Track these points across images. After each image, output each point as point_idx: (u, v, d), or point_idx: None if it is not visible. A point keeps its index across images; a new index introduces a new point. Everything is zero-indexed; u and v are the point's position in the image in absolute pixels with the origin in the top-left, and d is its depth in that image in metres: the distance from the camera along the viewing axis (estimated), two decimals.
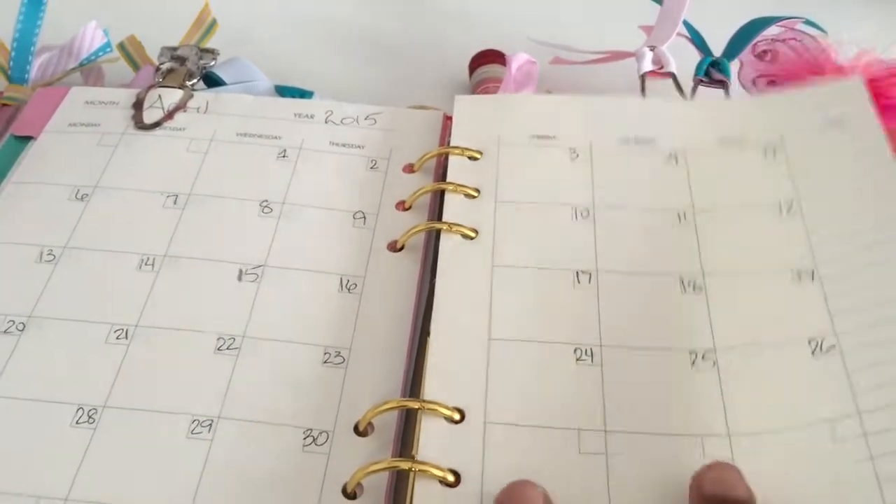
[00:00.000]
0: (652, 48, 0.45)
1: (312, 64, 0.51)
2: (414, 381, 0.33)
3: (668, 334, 0.32)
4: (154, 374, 0.32)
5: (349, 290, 0.35)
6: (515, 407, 0.31)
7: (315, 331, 0.34)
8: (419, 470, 0.29)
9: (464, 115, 0.41)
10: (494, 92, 0.45)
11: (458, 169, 0.38)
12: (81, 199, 0.38)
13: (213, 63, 0.45)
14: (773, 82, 0.44)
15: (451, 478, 0.29)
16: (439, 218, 0.37)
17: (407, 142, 0.41)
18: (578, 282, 0.34)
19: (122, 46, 0.47)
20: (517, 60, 0.45)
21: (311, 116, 0.42)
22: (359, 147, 0.40)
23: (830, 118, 0.37)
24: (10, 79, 0.45)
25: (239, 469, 0.30)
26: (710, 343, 0.32)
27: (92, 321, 0.34)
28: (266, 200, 0.38)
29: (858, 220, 0.34)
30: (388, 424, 0.31)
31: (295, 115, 0.42)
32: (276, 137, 0.41)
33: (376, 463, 0.29)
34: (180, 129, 0.41)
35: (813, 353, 0.31)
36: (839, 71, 0.42)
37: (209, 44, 0.46)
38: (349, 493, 0.29)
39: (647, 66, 0.44)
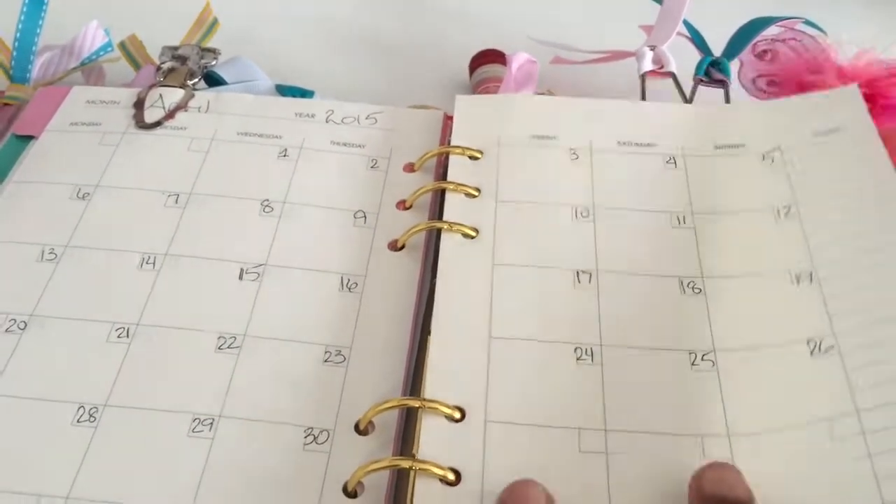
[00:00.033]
0: (652, 48, 0.45)
1: (313, 63, 0.51)
2: (414, 380, 0.33)
3: (667, 335, 0.33)
4: (155, 372, 0.32)
5: (350, 289, 0.35)
6: (516, 406, 0.31)
7: (316, 330, 0.34)
8: (420, 468, 0.29)
9: (464, 114, 0.41)
10: (495, 91, 0.45)
11: (458, 168, 0.38)
12: (83, 198, 0.38)
13: (214, 62, 0.45)
14: (772, 82, 0.44)
15: (451, 476, 0.29)
16: (440, 217, 0.37)
17: (407, 141, 0.41)
18: (579, 281, 0.34)
19: (123, 46, 0.47)
20: (518, 60, 0.45)
21: (312, 116, 0.42)
22: (359, 146, 0.41)
23: (827, 125, 0.38)
24: (11, 78, 0.45)
25: (240, 468, 0.30)
26: (710, 344, 0.32)
27: (93, 320, 0.34)
28: (267, 200, 0.38)
29: (856, 224, 0.34)
30: (388, 423, 0.31)
31: (296, 114, 0.42)
32: (276, 137, 0.41)
33: (377, 461, 0.29)
34: (181, 129, 0.41)
35: (812, 353, 0.31)
36: (839, 71, 0.42)
37: (210, 43, 0.46)
38: (350, 492, 0.29)
39: (648, 65, 0.44)
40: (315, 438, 0.31)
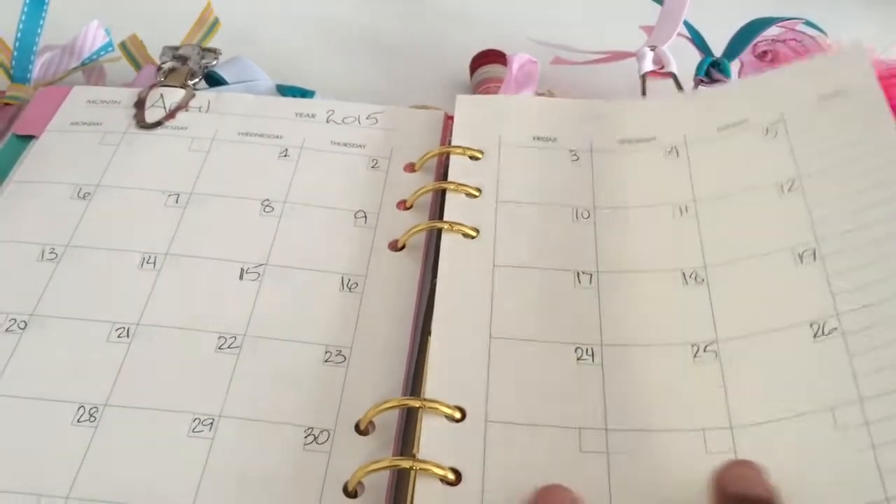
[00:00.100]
0: (653, 48, 0.45)
1: (314, 63, 0.51)
2: (415, 380, 0.33)
3: (669, 329, 0.33)
4: (155, 372, 0.32)
5: (350, 289, 0.35)
6: (516, 405, 0.31)
7: (316, 330, 0.34)
8: (420, 468, 0.29)
9: (465, 114, 0.41)
10: (495, 92, 0.45)
11: (459, 168, 0.38)
12: (83, 197, 0.38)
13: (214, 62, 0.45)
14: None
15: (451, 476, 0.29)
16: (440, 217, 0.37)
17: (408, 141, 0.41)
18: (579, 282, 0.34)
19: (123, 46, 0.47)
20: (518, 60, 0.45)
21: (313, 116, 0.42)
22: (360, 146, 0.41)
23: (832, 87, 0.37)
24: (12, 78, 0.45)
25: (240, 468, 0.30)
26: (713, 334, 0.32)
27: (93, 320, 0.34)
28: (267, 199, 0.38)
29: (861, 193, 0.33)
30: (388, 423, 0.31)
31: (296, 114, 0.42)
32: (277, 137, 0.41)
33: (377, 462, 0.29)
34: (182, 129, 0.41)
35: (815, 336, 0.31)
36: None
37: (211, 43, 0.46)
38: (350, 492, 0.29)
39: (648, 66, 0.44)
40: (315, 438, 0.31)
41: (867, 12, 0.53)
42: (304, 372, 0.32)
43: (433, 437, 0.30)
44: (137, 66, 0.47)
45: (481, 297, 0.34)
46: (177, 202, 0.38)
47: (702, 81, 0.45)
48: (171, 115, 0.42)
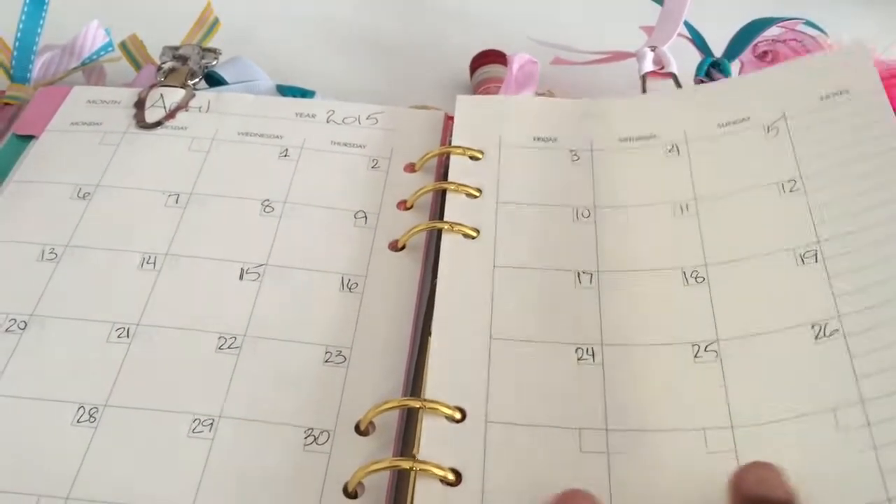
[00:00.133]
0: (653, 48, 0.45)
1: (314, 63, 0.51)
2: (415, 381, 0.33)
3: (670, 329, 0.32)
4: (155, 372, 0.32)
5: (350, 289, 0.35)
6: (516, 406, 0.31)
7: (316, 330, 0.34)
8: (420, 469, 0.29)
9: (465, 115, 0.41)
10: (496, 92, 0.45)
11: (459, 169, 0.38)
12: (83, 197, 0.38)
13: (214, 62, 0.45)
14: None
15: (451, 477, 0.29)
16: (440, 217, 0.37)
17: (408, 141, 0.41)
18: (580, 282, 0.34)
19: (123, 46, 0.47)
20: (519, 60, 0.45)
21: (313, 116, 0.42)
22: (360, 146, 0.41)
23: (834, 87, 0.37)
24: (12, 78, 0.45)
25: (239, 468, 0.30)
26: (713, 334, 0.32)
27: (93, 320, 0.34)
28: (267, 200, 0.38)
29: (863, 193, 0.33)
30: (389, 424, 0.31)
31: (296, 114, 0.42)
32: (277, 137, 0.41)
33: (377, 462, 0.29)
34: (182, 129, 0.41)
35: (816, 337, 0.31)
36: None
37: (211, 43, 0.46)
38: (350, 493, 0.29)
39: (648, 66, 0.44)
40: (315, 439, 0.31)
41: (867, 12, 0.53)
42: (304, 372, 0.32)
43: (433, 438, 0.30)
44: (137, 66, 0.47)
45: (482, 298, 0.34)
46: (177, 202, 0.38)
47: (702, 82, 0.44)
48: (171, 115, 0.42)
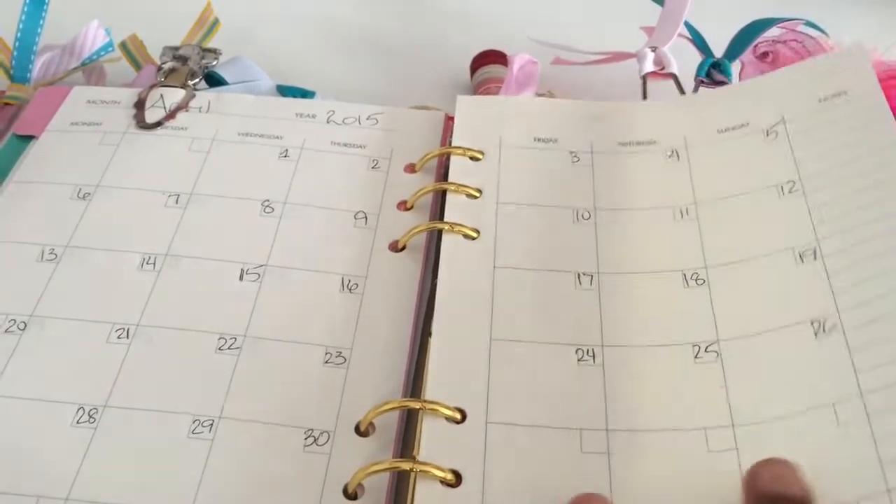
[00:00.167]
0: (653, 49, 0.45)
1: (314, 64, 0.51)
2: (415, 382, 0.33)
3: (670, 330, 0.32)
4: (155, 373, 0.32)
5: (350, 290, 0.35)
6: (517, 407, 0.31)
7: (316, 331, 0.34)
8: (420, 470, 0.29)
9: (466, 115, 0.41)
10: (496, 92, 0.45)
11: (459, 169, 0.38)
12: (83, 198, 0.38)
13: (214, 63, 0.45)
14: None
15: (452, 478, 0.29)
16: (441, 218, 0.37)
17: (408, 142, 0.41)
18: (580, 283, 0.34)
19: (123, 46, 0.47)
20: (519, 61, 0.45)
21: (313, 116, 0.42)
22: (360, 147, 0.40)
23: (833, 89, 0.37)
24: (12, 78, 0.45)
25: (239, 469, 0.30)
26: (714, 334, 0.32)
27: (93, 320, 0.34)
28: (268, 200, 0.38)
29: (861, 193, 0.34)
30: (389, 425, 0.31)
31: (296, 114, 0.42)
32: (277, 137, 0.41)
33: (377, 463, 0.29)
34: (182, 129, 0.41)
35: (816, 334, 0.31)
36: None
37: (211, 43, 0.46)
38: (350, 494, 0.29)
39: (649, 66, 0.44)
40: (315, 440, 0.31)
41: (868, 12, 0.53)
42: (304, 373, 0.32)
43: (433, 439, 0.30)
44: (137, 66, 0.47)
45: (482, 298, 0.34)
46: (177, 203, 0.38)
47: (703, 82, 0.45)
48: (171, 115, 0.42)
